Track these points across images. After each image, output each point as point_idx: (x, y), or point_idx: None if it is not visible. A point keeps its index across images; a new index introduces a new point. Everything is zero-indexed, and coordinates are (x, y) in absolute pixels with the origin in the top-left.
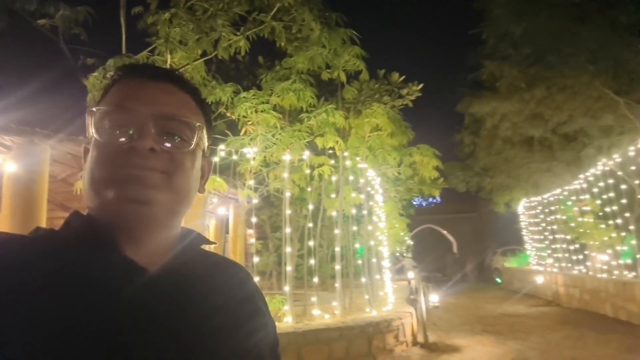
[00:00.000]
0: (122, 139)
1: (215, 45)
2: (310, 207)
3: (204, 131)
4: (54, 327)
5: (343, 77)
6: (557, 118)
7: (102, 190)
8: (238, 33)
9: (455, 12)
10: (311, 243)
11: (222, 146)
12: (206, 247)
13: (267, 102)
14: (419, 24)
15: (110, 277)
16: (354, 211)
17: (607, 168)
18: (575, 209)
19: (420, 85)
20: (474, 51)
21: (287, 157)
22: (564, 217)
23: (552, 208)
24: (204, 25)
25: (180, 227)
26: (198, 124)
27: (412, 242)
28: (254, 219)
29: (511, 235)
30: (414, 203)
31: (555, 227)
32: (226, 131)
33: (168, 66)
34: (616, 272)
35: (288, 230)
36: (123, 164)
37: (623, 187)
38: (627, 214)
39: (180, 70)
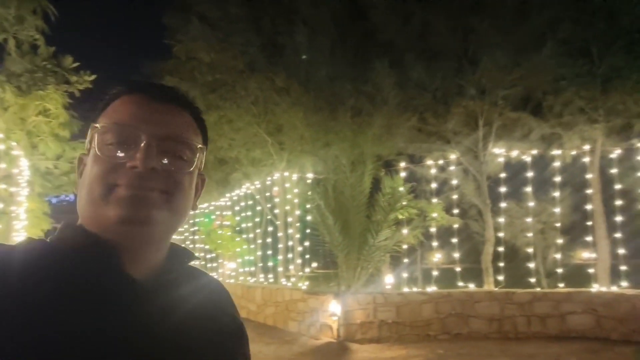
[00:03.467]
0: (125, 157)
1: None
2: None
3: (204, 152)
4: (60, 338)
5: (13, 46)
6: (220, 143)
7: (103, 208)
8: None
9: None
10: None
11: None
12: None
13: None
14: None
15: (112, 292)
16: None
17: (248, 191)
18: (217, 222)
19: (93, 77)
20: (158, 62)
21: None
22: (206, 229)
23: (197, 220)
24: None
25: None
26: (199, 145)
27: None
28: None
29: None
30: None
31: (197, 237)
32: None
33: None
34: (241, 278)
35: None
36: (125, 183)
37: (258, 208)
38: (257, 230)
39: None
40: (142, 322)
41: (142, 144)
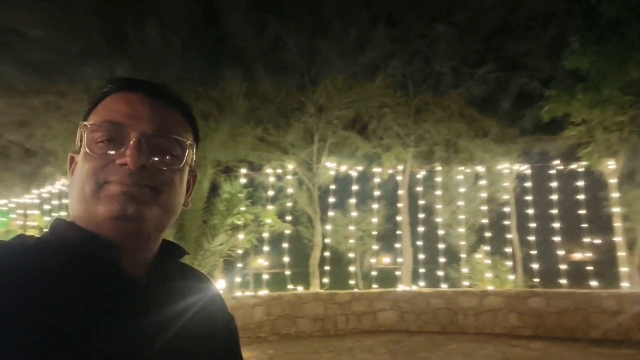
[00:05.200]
0: (115, 155)
1: None
2: None
3: (194, 149)
4: (60, 335)
5: None
6: (33, 130)
7: (93, 205)
8: None
9: None
10: None
11: None
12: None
13: None
14: None
15: (110, 288)
16: None
17: (64, 188)
18: (19, 222)
19: None
20: None
21: None
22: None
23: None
24: None
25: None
26: (189, 142)
27: None
28: None
29: None
30: None
31: None
32: None
33: None
34: None
35: None
36: (116, 180)
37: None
38: None
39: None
40: (142, 318)
41: (132, 142)
